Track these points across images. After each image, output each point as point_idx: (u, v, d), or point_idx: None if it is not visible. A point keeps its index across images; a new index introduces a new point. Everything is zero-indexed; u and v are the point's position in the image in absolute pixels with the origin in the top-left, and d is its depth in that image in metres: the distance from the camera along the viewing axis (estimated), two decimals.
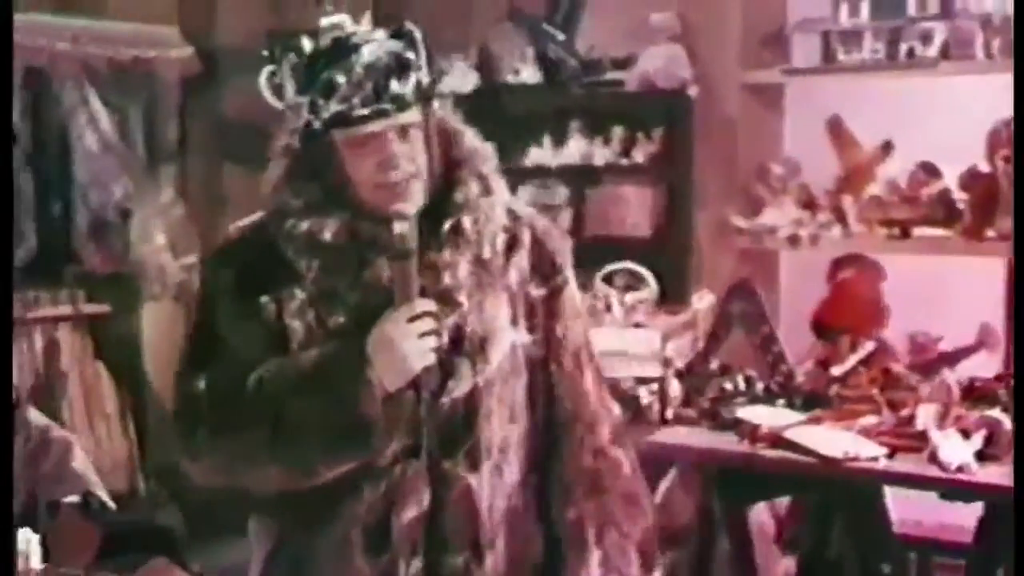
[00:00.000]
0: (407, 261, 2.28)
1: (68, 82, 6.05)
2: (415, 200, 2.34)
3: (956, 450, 4.18)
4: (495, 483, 2.39)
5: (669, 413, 4.93)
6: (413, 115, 2.34)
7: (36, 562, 3.45)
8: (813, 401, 4.90)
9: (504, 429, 2.41)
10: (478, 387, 2.36)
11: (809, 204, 6.17)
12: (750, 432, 4.57)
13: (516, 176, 6.71)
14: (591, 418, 2.51)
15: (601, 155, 6.54)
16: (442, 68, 6.54)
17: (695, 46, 6.40)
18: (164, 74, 6.35)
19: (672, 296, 5.77)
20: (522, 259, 2.45)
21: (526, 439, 2.45)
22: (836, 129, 6.09)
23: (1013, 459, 3.92)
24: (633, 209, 6.39)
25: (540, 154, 6.69)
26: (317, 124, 2.30)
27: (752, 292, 5.04)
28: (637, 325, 5.06)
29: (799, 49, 6.29)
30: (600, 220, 6.49)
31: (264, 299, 2.32)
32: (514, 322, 2.42)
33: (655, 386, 4.93)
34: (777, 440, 4.51)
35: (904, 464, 4.31)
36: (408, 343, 2.26)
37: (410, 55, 2.35)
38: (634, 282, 5.39)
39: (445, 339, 2.32)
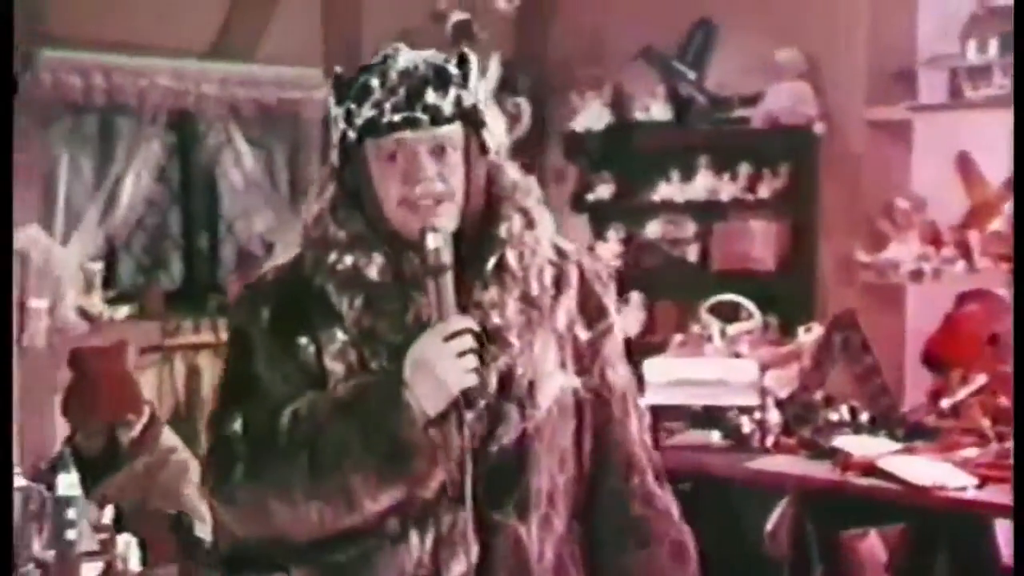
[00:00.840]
0: (442, 277, 2.12)
1: (215, 123, 6.38)
2: (444, 225, 2.16)
3: None
4: (544, 533, 2.25)
5: (769, 441, 4.99)
6: (451, 133, 2.17)
7: (135, 564, 3.68)
8: (916, 432, 4.94)
9: (554, 477, 2.26)
10: (527, 433, 2.21)
11: (934, 239, 6.17)
12: (843, 460, 4.63)
13: (645, 211, 6.90)
14: (640, 464, 2.39)
15: (728, 191, 6.67)
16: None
17: (821, 83, 6.47)
18: (308, 114, 6.62)
19: (790, 328, 5.83)
20: (570, 300, 2.30)
21: (572, 486, 2.31)
22: (965, 166, 6.10)
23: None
24: (758, 243, 6.49)
25: (668, 189, 6.84)
26: (352, 133, 2.17)
27: (855, 323, 5.09)
28: (737, 355, 5.14)
29: (926, 85, 6.30)
30: (726, 254, 6.60)
31: (303, 340, 2.18)
32: (563, 365, 2.27)
33: (757, 414, 5.00)
34: (869, 468, 4.56)
35: (993, 494, 4.31)
36: (446, 363, 2.10)
37: (453, 70, 2.18)
38: (742, 314, 5.46)
39: (494, 381, 2.18)
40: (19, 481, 3.40)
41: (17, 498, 3.32)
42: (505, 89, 7.01)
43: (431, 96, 2.15)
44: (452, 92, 2.17)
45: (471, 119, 2.20)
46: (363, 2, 6.76)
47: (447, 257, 2.13)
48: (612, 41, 7.09)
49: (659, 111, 6.89)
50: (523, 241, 2.24)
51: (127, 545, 3.66)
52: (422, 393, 2.10)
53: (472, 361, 2.12)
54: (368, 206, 2.20)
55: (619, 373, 2.40)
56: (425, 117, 2.14)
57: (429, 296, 2.14)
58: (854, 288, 6.25)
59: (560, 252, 2.33)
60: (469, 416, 2.13)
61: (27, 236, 5.70)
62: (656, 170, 6.88)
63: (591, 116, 7.05)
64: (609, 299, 2.40)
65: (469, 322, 2.14)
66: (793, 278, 6.43)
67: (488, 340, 2.16)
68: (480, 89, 2.24)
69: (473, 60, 2.23)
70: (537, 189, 2.36)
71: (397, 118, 2.13)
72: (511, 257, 2.22)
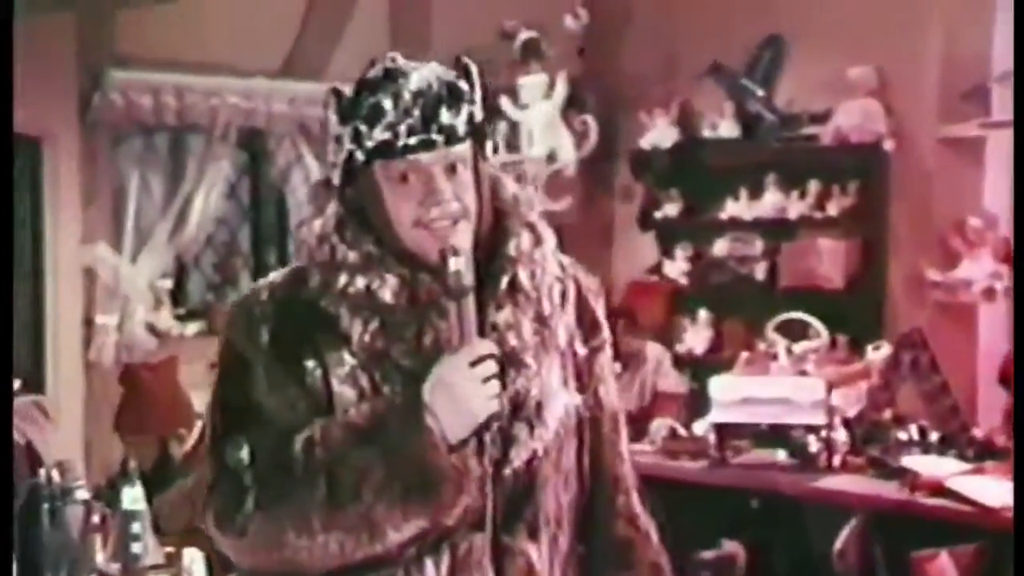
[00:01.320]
0: (464, 300, 2.06)
1: (284, 141, 6.44)
2: (461, 242, 2.08)
3: None
4: (552, 555, 2.20)
5: (836, 460, 4.94)
6: (463, 151, 2.10)
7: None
8: (986, 452, 4.87)
9: (559, 497, 2.21)
10: (536, 454, 2.15)
11: (1007, 258, 6.09)
12: (912, 480, 4.58)
13: (712, 228, 6.87)
14: (627, 484, 2.34)
15: (796, 208, 6.62)
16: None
17: (892, 100, 6.42)
18: None
19: (858, 347, 5.78)
20: (569, 315, 2.24)
21: (575, 506, 2.25)
22: None
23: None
24: (826, 261, 6.43)
25: (736, 207, 6.81)
26: (360, 155, 2.08)
27: (924, 342, 5.03)
28: (803, 373, 5.10)
29: (999, 102, 6.23)
30: (793, 272, 6.55)
31: (309, 363, 2.09)
32: (565, 383, 2.21)
33: (824, 433, 4.96)
34: (937, 488, 4.50)
35: None
36: (471, 388, 2.03)
37: (463, 85, 2.10)
38: (809, 332, 5.42)
39: (505, 397, 2.11)
40: (82, 495, 3.42)
41: (78, 511, 3.36)
42: (572, 107, 7.02)
43: (445, 116, 2.07)
44: (464, 110, 2.09)
45: (480, 135, 2.13)
46: (431, 21, 6.80)
47: (469, 280, 2.06)
48: (680, 58, 7.08)
49: (727, 128, 6.87)
50: (533, 259, 2.17)
51: (192, 559, 3.67)
52: (445, 419, 2.03)
53: (496, 387, 2.05)
54: (379, 227, 2.11)
55: (610, 390, 2.32)
56: (440, 138, 2.06)
57: (450, 319, 2.07)
58: (924, 306, 6.19)
59: (561, 267, 2.25)
60: (487, 462, 2.08)
61: (94, 254, 5.76)
62: (724, 188, 6.86)
63: (659, 134, 7.04)
64: (601, 314, 2.32)
65: (492, 347, 2.07)
66: (862, 296, 6.38)
67: (506, 363, 2.09)
68: (483, 103, 2.15)
69: (475, 70, 2.13)
70: (537, 202, 2.28)
71: (413, 141, 2.05)
72: (523, 276, 2.15)
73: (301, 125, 6.43)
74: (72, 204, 5.83)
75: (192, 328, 6.21)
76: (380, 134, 2.06)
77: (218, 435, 2.12)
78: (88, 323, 5.81)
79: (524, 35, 6.95)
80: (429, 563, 2.10)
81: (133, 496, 3.40)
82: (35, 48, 5.36)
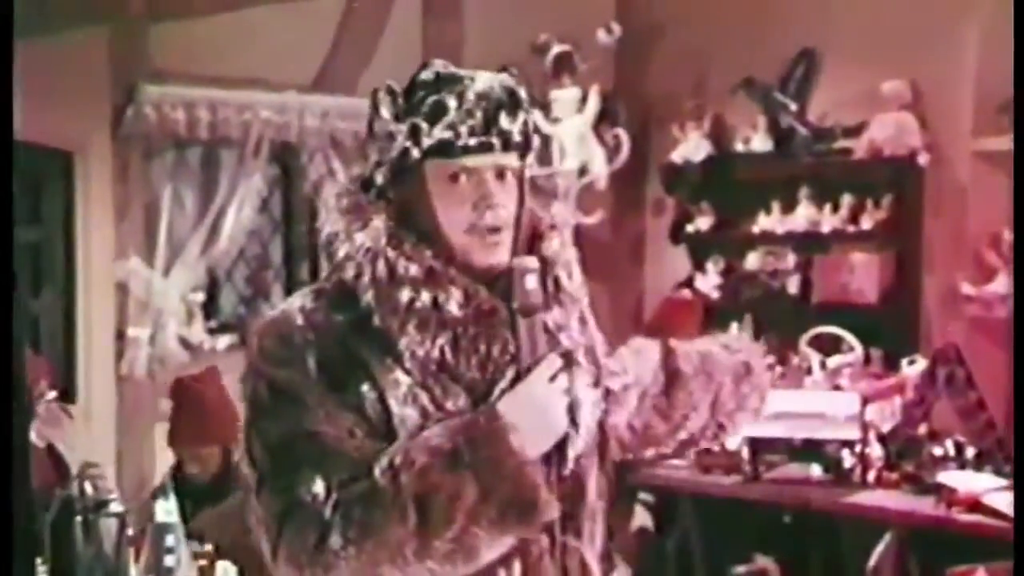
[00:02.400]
0: (534, 317, 2.07)
1: (316, 155, 6.45)
2: (501, 254, 2.09)
3: None
4: (592, 552, 2.23)
5: (870, 476, 4.92)
6: (512, 159, 2.11)
7: None
8: None
9: (600, 493, 2.25)
10: (583, 453, 2.18)
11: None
12: (947, 496, 4.54)
13: (745, 242, 6.85)
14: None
15: (829, 222, 6.59)
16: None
17: (926, 114, 6.39)
18: None
19: (893, 361, 5.74)
20: (586, 314, 2.28)
21: (602, 500, 2.28)
22: None
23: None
24: (860, 275, 6.41)
25: (769, 221, 6.79)
26: (415, 152, 2.06)
27: (959, 357, 4.99)
28: (837, 388, 5.07)
29: None
30: (827, 286, 6.52)
31: (364, 387, 2.05)
32: (596, 383, 2.24)
33: (858, 448, 4.93)
34: (974, 504, 4.48)
35: None
36: (555, 403, 2.08)
37: (523, 93, 2.12)
38: (843, 346, 5.40)
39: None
40: (115, 507, 3.42)
41: (112, 524, 3.36)
42: (605, 120, 7.01)
43: (505, 121, 2.08)
44: (521, 117, 2.10)
45: (529, 142, 2.14)
46: (464, 35, 6.80)
47: (539, 297, 2.08)
48: (712, 72, 7.07)
49: (759, 142, 6.85)
50: (567, 259, 2.19)
51: (225, 572, 3.67)
52: (529, 434, 2.03)
53: (567, 400, 2.09)
54: (430, 235, 2.09)
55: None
56: (498, 142, 2.07)
57: (520, 335, 2.07)
58: (959, 321, 6.15)
59: None
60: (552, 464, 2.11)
61: (126, 268, 5.78)
62: (756, 201, 6.84)
63: (691, 147, 7.02)
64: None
65: (561, 361, 2.10)
66: (896, 311, 6.34)
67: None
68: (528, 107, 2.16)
69: (522, 82, 2.15)
70: (563, 207, 2.28)
71: (473, 142, 2.06)
72: (564, 277, 2.17)
73: (333, 139, 6.43)
74: (105, 218, 5.84)
75: (224, 341, 6.21)
76: (441, 132, 2.05)
77: (281, 471, 2.04)
78: (120, 336, 5.82)
79: (557, 49, 6.94)
80: (501, 572, 2.09)
81: (167, 509, 3.40)
82: (68, 62, 5.39)
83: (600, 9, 7.09)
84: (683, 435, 2.53)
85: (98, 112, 5.81)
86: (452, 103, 2.06)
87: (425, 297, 2.05)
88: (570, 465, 2.14)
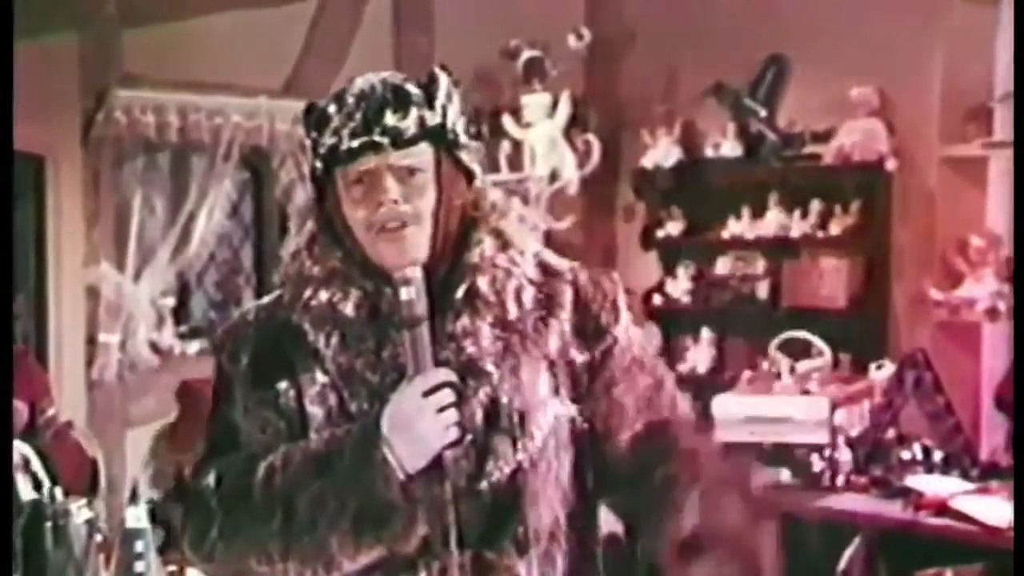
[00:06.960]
0: (417, 329, 2.03)
1: (287, 160, 6.45)
2: (413, 251, 2.08)
3: None
4: (546, 571, 2.12)
5: (839, 480, 4.94)
6: (419, 154, 2.08)
7: None
8: (991, 472, 4.87)
9: (555, 511, 2.13)
10: (522, 467, 2.08)
11: (1010, 277, 6.08)
12: (915, 499, 4.57)
13: (714, 247, 6.88)
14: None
15: (798, 227, 6.62)
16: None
17: (895, 120, 6.42)
18: None
19: (861, 366, 5.77)
20: (563, 323, 2.16)
21: (577, 519, 2.18)
22: None
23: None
24: (829, 281, 6.44)
25: (739, 226, 6.82)
26: (319, 164, 2.11)
27: (927, 362, 5.02)
28: (806, 392, 5.09)
29: (1001, 122, 6.22)
30: (796, 291, 6.56)
31: (282, 384, 2.10)
32: (556, 392, 2.13)
33: (827, 452, 4.96)
34: (941, 508, 4.50)
35: None
36: (426, 419, 2.01)
37: (413, 89, 2.10)
38: (812, 351, 5.42)
39: (478, 414, 2.07)
40: (85, 513, 3.41)
41: (81, 529, 3.35)
42: (575, 126, 7.03)
43: (390, 118, 2.06)
44: (414, 112, 2.08)
45: (441, 139, 2.11)
46: (435, 41, 6.81)
47: (421, 309, 2.04)
48: (683, 78, 7.08)
49: (729, 148, 6.88)
50: (495, 264, 2.13)
51: None
52: (401, 451, 2.01)
53: (453, 415, 2.03)
54: (344, 237, 2.12)
55: (634, 393, 2.20)
56: (385, 140, 2.05)
57: (405, 348, 2.05)
58: (927, 326, 6.18)
59: (550, 271, 2.21)
60: (449, 457, 2.04)
61: (97, 272, 5.77)
62: (726, 207, 6.86)
63: (661, 153, 7.04)
64: (611, 315, 2.22)
65: (447, 375, 2.04)
66: (865, 316, 6.37)
67: (465, 372, 2.06)
68: (451, 109, 2.14)
69: (443, 80, 2.14)
70: (517, 209, 2.33)
71: (356, 144, 2.05)
72: (482, 282, 2.12)
73: (303, 144, 6.40)
74: (75, 222, 5.83)
75: (195, 346, 6.21)
76: (327, 139, 2.08)
77: (197, 461, 2.15)
78: (91, 341, 5.82)
79: (527, 54, 6.97)
80: None
81: (136, 515, 3.39)
82: (39, 67, 5.37)
83: (570, 15, 7.10)
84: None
85: (68, 116, 5.81)
86: (332, 109, 2.08)
87: (322, 296, 2.09)
88: (494, 477, 2.07)
